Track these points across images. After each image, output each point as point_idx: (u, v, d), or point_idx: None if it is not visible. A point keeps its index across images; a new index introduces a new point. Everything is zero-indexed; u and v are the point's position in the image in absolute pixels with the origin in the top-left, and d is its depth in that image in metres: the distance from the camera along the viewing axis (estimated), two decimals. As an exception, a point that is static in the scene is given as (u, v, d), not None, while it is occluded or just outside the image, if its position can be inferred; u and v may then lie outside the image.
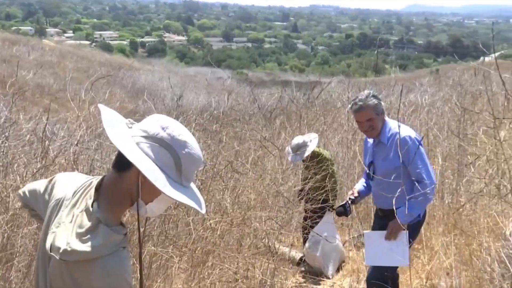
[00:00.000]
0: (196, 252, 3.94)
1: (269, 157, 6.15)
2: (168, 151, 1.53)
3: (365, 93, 3.82)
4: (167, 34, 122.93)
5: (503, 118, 4.46)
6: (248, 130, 6.71)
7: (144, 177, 1.48)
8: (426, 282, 4.49)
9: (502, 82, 3.71)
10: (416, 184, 3.63)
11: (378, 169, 3.84)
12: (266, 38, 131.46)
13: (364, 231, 3.93)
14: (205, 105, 10.56)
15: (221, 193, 4.47)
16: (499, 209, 4.69)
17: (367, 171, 4.03)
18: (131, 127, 1.57)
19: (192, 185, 1.63)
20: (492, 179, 4.87)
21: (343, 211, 4.02)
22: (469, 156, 5.94)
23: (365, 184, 4.11)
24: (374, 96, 3.79)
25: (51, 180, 1.81)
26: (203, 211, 1.61)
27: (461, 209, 5.11)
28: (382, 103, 3.85)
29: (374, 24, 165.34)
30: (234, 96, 11.24)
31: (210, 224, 4.01)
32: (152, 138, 1.52)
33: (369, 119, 3.75)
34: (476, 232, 4.61)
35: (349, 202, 4.01)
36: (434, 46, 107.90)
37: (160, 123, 1.55)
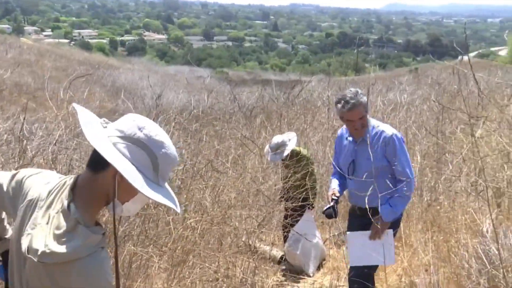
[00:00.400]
0: (176, 251, 3.92)
1: (250, 155, 6.15)
2: (145, 151, 1.53)
3: (353, 91, 3.77)
4: (147, 33, 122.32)
5: (477, 117, 4.52)
6: (228, 129, 6.70)
7: (121, 177, 1.48)
8: (404, 279, 4.53)
9: (475, 82, 3.76)
10: (399, 181, 3.68)
11: (361, 168, 3.81)
12: (247, 36, 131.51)
13: (348, 232, 3.93)
14: (185, 104, 10.51)
15: (202, 192, 4.46)
16: (476, 206, 4.77)
17: (338, 170, 4.02)
18: (106, 127, 1.57)
19: (166, 184, 1.64)
20: (466, 176, 4.94)
21: (334, 214, 3.95)
22: (447, 154, 6.02)
23: (339, 183, 4.08)
24: (362, 94, 3.77)
25: (14, 175, 1.77)
26: (179, 210, 1.63)
27: (439, 207, 5.18)
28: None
29: (354, 23, 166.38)
30: (215, 95, 11.21)
31: (191, 223, 3.99)
32: (129, 139, 1.53)
33: (361, 117, 3.72)
34: (454, 229, 4.68)
35: (335, 204, 3.96)
36: (413, 45, 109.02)
37: (137, 123, 1.56)
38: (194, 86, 22.75)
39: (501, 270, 3.69)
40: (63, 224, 1.48)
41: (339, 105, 3.74)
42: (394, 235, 3.93)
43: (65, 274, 1.45)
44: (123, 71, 27.21)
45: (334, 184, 4.08)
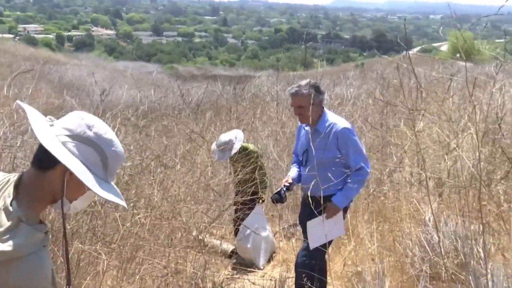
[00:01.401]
0: (125, 248, 3.89)
1: (199, 151, 6.14)
2: (95, 150, 1.54)
3: (305, 82, 3.92)
4: (94, 28, 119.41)
5: (416, 109, 4.68)
6: (177, 125, 6.67)
7: (70, 176, 1.48)
8: (352, 269, 4.65)
9: (415, 76, 3.90)
10: (351, 171, 3.80)
11: (313, 158, 3.89)
12: (196, 32, 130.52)
13: (308, 222, 3.99)
14: (133, 100, 10.37)
15: (151, 187, 4.43)
16: (419, 197, 4.94)
17: (300, 159, 4.13)
18: (52, 125, 1.55)
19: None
20: (409, 167, 5.10)
21: (279, 198, 4.06)
22: (391, 147, 6.20)
23: (298, 171, 4.19)
24: (313, 86, 3.87)
25: None
26: (126, 205, 1.66)
27: (384, 198, 5.33)
28: (320, 95, 3.92)
29: (303, 19, 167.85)
30: (164, 91, 11.12)
31: (139, 219, 3.96)
32: (78, 138, 1.52)
33: (299, 106, 3.87)
34: (398, 219, 4.83)
35: (284, 189, 4.06)
36: (359, 41, 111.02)
37: (85, 122, 1.55)
38: (143, 82, 22.43)
39: (442, 257, 3.85)
40: (5, 222, 1.46)
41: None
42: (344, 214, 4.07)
43: (5, 272, 1.42)
44: (70, 67, 26.53)
45: (291, 171, 4.22)
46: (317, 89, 3.89)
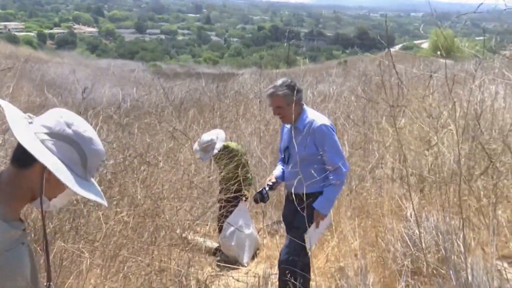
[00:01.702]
0: (109, 246, 3.88)
1: (182, 148, 6.13)
2: (74, 148, 1.53)
3: (280, 82, 3.93)
4: (76, 26, 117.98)
5: (397, 106, 4.73)
6: (160, 122, 6.65)
7: (49, 174, 1.48)
8: (334, 265, 4.68)
9: (396, 73, 3.95)
10: (331, 169, 3.82)
11: (294, 155, 3.92)
12: (179, 30, 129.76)
13: (305, 235, 4.02)
14: (116, 98, 10.31)
15: (134, 185, 4.42)
16: (401, 192, 4.99)
17: (282, 156, 4.15)
18: (31, 122, 1.55)
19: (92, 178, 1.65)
20: (391, 164, 5.15)
21: (261, 198, 4.10)
22: (373, 143, 6.25)
23: (282, 169, 4.21)
24: (288, 86, 3.88)
25: None
26: (106, 203, 1.64)
27: (366, 194, 5.38)
28: (297, 94, 3.93)
29: (285, 17, 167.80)
30: (147, 89, 11.07)
31: (122, 217, 3.95)
32: (57, 135, 1.52)
33: (278, 106, 3.89)
34: (381, 215, 4.87)
35: (267, 188, 4.08)
36: (342, 38, 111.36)
37: (65, 120, 1.55)
38: (126, 79, 22.27)
39: (423, 252, 3.90)
40: None
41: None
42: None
43: None
44: (52, 65, 26.20)
45: (275, 170, 4.25)
46: (293, 88, 3.91)
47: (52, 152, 1.50)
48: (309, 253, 3.99)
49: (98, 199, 1.57)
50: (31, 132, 1.51)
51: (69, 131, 1.53)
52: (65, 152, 1.52)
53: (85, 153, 1.55)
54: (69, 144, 1.52)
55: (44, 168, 1.48)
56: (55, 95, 11.12)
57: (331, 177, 3.83)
